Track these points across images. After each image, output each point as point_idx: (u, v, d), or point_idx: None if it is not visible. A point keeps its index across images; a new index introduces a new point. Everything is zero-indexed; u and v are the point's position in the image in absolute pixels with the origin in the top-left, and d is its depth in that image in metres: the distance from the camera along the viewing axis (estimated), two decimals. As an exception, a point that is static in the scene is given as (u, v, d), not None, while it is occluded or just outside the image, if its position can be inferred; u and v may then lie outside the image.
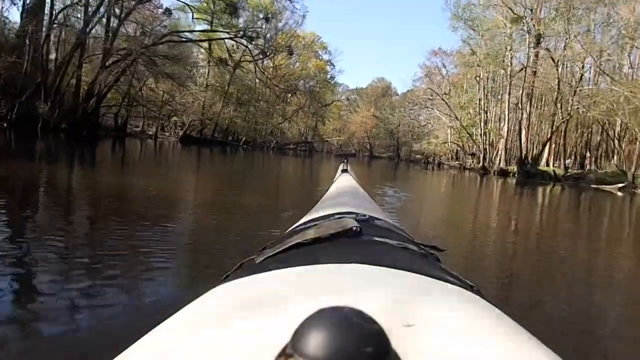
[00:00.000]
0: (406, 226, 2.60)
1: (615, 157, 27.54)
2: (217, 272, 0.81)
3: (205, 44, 32.43)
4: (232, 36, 26.31)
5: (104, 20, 21.05)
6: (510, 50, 28.42)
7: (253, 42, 27.21)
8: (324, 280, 0.49)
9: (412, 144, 57.22)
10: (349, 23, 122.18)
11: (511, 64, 29.42)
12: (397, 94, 67.79)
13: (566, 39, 22.95)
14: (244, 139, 41.27)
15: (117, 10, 20.69)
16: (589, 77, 27.70)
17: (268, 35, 43.09)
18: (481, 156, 31.19)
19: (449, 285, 0.52)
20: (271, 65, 49.49)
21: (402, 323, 0.35)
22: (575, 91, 23.48)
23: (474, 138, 34.79)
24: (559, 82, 23.71)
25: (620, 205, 13.84)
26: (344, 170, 2.35)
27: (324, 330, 0.21)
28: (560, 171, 24.63)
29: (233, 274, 0.63)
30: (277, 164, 20.10)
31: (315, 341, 0.20)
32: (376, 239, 0.69)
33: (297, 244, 0.66)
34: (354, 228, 0.69)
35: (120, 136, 25.95)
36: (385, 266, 0.54)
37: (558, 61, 23.26)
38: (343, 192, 1.68)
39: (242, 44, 27.10)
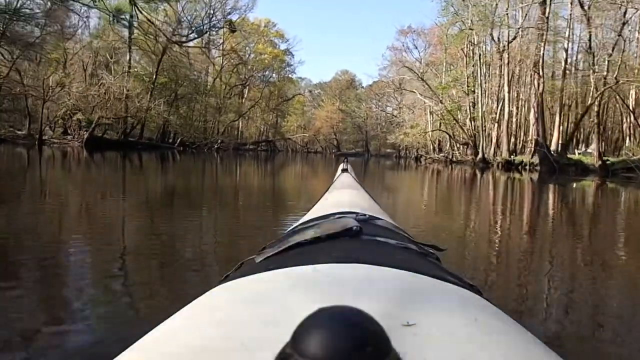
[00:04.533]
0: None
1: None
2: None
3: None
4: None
5: None
6: (508, 8, 22.08)
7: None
8: (324, 280, 0.49)
9: (383, 137, 51.37)
10: (309, 13, 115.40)
11: (508, 26, 23.08)
12: (363, 87, 62.03)
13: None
14: (179, 139, 33.39)
15: None
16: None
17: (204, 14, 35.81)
18: (479, 146, 24.72)
19: (449, 285, 0.52)
20: (219, 54, 42.48)
21: (402, 323, 0.34)
22: (612, 51, 17.09)
23: (461, 124, 28.47)
24: (590, 40, 17.32)
25: None
26: (344, 170, 2.34)
27: (323, 330, 0.20)
28: (591, 160, 18.39)
29: (233, 274, 0.62)
30: (220, 178, 12.91)
31: (315, 341, 0.20)
32: (376, 238, 0.69)
33: (297, 243, 0.66)
34: (354, 228, 0.68)
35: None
36: (385, 266, 0.54)
37: (590, 7, 17.02)
38: (343, 191, 1.63)
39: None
